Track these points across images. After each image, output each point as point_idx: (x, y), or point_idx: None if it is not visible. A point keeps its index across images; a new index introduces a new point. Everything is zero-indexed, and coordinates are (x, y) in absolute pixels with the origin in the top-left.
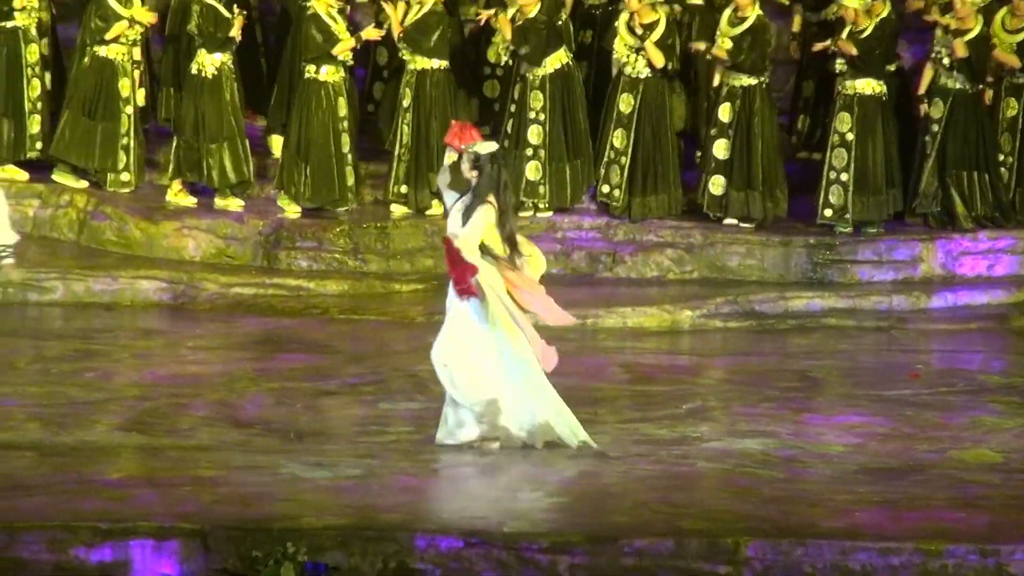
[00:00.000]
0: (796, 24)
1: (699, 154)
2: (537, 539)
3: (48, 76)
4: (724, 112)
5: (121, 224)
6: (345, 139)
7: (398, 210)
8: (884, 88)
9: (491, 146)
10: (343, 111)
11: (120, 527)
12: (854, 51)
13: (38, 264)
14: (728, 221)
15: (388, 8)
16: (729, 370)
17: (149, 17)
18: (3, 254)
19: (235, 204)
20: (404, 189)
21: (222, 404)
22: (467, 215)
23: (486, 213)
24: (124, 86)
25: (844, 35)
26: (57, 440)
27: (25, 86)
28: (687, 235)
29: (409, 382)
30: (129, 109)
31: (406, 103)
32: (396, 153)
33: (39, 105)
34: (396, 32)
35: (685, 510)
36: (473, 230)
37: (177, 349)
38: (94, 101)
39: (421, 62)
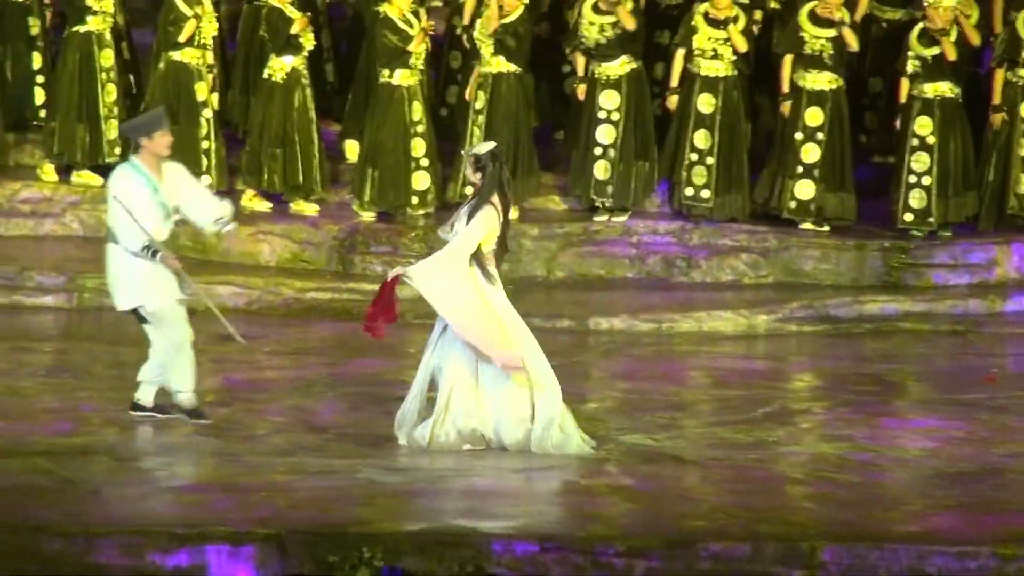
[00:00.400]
0: (860, 12)
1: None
2: (613, 543)
3: (124, 81)
4: (813, 116)
5: (197, 229)
6: (418, 143)
7: None
8: (959, 91)
9: (489, 145)
10: (417, 115)
11: (196, 532)
12: (953, 56)
13: None
14: (804, 226)
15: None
16: (805, 374)
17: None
18: (223, 221)
19: (310, 209)
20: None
21: (297, 409)
22: (471, 216)
23: (489, 215)
24: (200, 90)
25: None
26: (133, 445)
27: (100, 91)
28: (762, 239)
29: None
30: (207, 113)
31: (479, 105)
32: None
33: (115, 110)
34: (490, 29)
35: (761, 514)
36: (474, 231)
37: (253, 354)
38: (172, 106)
39: (498, 65)
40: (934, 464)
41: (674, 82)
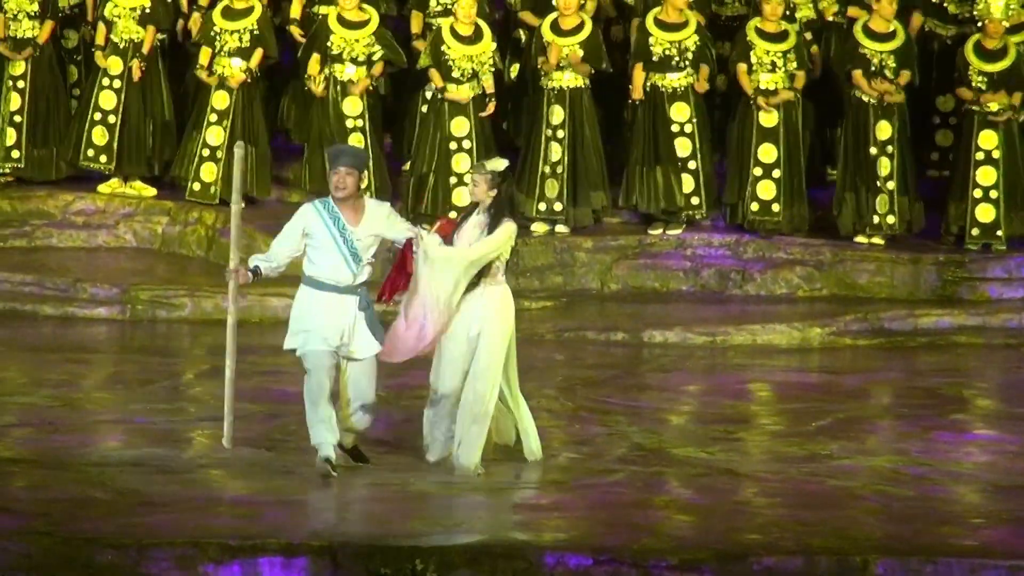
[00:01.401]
0: (914, 26)
1: (830, 170)
2: (666, 556)
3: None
4: (883, 129)
5: (249, 241)
6: (460, 158)
7: (540, 228)
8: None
9: (503, 162)
10: (462, 130)
11: (249, 544)
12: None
13: (167, 281)
14: (858, 238)
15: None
16: (859, 387)
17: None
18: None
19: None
20: (559, 207)
21: None
22: (491, 229)
23: (510, 229)
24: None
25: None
26: (186, 457)
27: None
28: (817, 252)
29: (538, 399)
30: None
31: (556, 120)
32: (541, 171)
33: (110, 119)
34: (566, 54)
35: (815, 528)
36: (494, 242)
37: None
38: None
39: (573, 80)
40: (988, 478)
41: (750, 92)
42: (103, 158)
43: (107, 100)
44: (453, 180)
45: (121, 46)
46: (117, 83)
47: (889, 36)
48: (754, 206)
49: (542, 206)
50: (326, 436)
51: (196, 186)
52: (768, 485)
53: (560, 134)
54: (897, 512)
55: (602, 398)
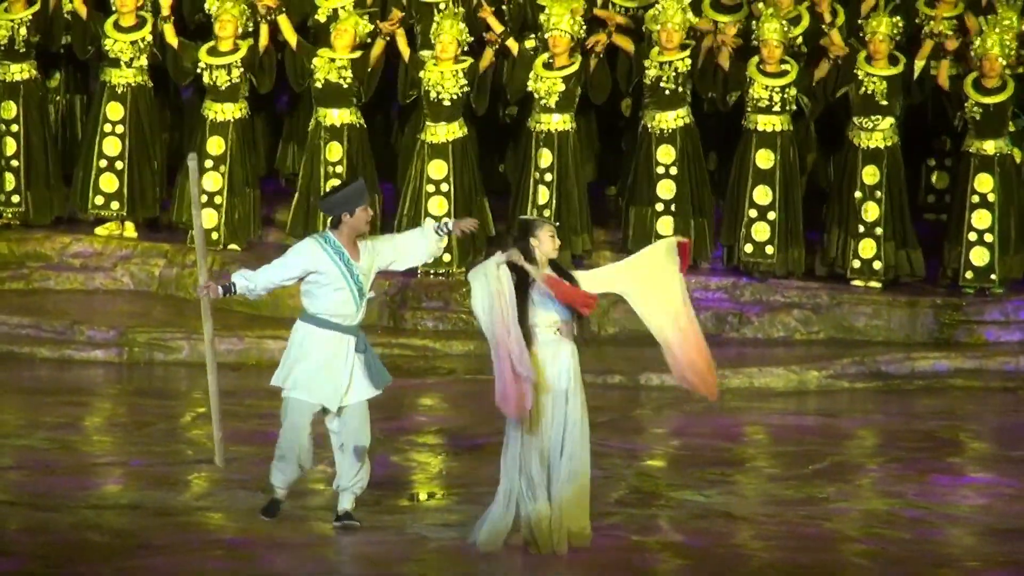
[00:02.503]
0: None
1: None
2: None
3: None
4: (870, 174)
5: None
6: (438, 201)
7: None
8: (1012, 146)
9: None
10: (441, 173)
11: None
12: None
13: (164, 323)
14: (856, 282)
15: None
16: (856, 431)
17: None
18: (442, 226)
19: None
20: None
21: None
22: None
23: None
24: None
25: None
26: (183, 499)
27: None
28: (814, 295)
29: None
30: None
31: (544, 163)
32: (529, 214)
33: (117, 165)
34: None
35: (812, 571)
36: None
37: None
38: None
39: (561, 123)
40: (985, 521)
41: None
42: (114, 204)
43: (111, 146)
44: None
45: (119, 91)
46: (120, 128)
47: (890, 62)
48: (747, 248)
49: None
50: (282, 481)
51: None
52: (764, 528)
53: (548, 177)
54: (893, 555)
55: (599, 441)
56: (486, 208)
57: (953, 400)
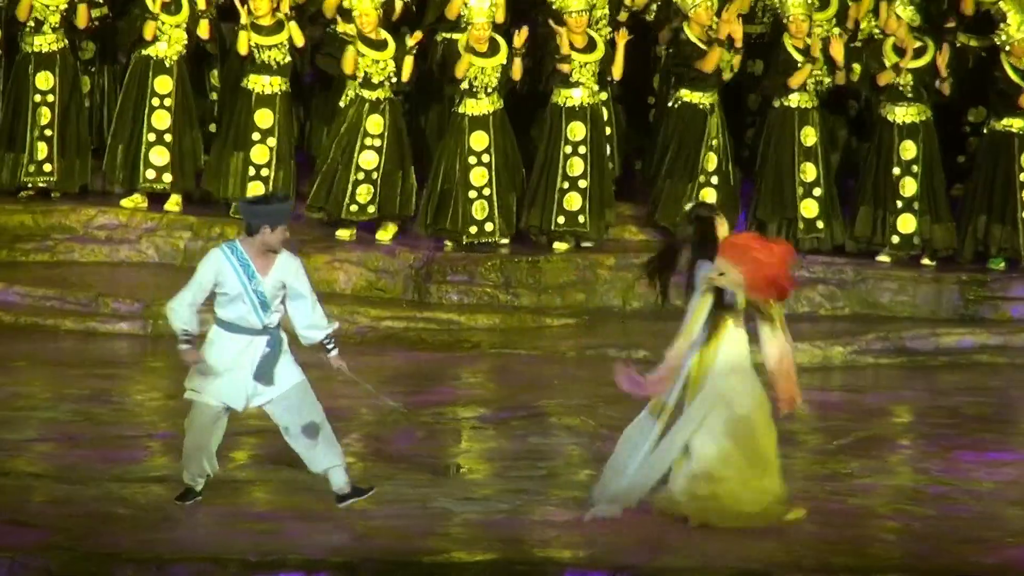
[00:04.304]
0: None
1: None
2: (686, 574)
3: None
4: (907, 149)
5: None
6: (480, 172)
7: (561, 245)
8: None
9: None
10: (482, 144)
11: (269, 560)
12: None
13: None
14: (880, 257)
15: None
16: (880, 406)
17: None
18: (328, 339)
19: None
20: (582, 219)
21: (372, 438)
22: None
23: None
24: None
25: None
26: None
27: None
28: (839, 271)
29: (559, 417)
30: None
31: (578, 136)
32: (560, 187)
33: (167, 137)
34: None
35: (835, 546)
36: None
37: (328, 383)
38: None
39: (597, 96)
40: (1009, 497)
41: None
42: (166, 177)
43: (160, 120)
44: (473, 194)
45: (167, 64)
46: (168, 101)
47: (918, 52)
48: (800, 225)
49: (561, 219)
50: (192, 479)
51: None
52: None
53: (582, 150)
54: (918, 531)
55: (624, 416)
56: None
57: (978, 376)
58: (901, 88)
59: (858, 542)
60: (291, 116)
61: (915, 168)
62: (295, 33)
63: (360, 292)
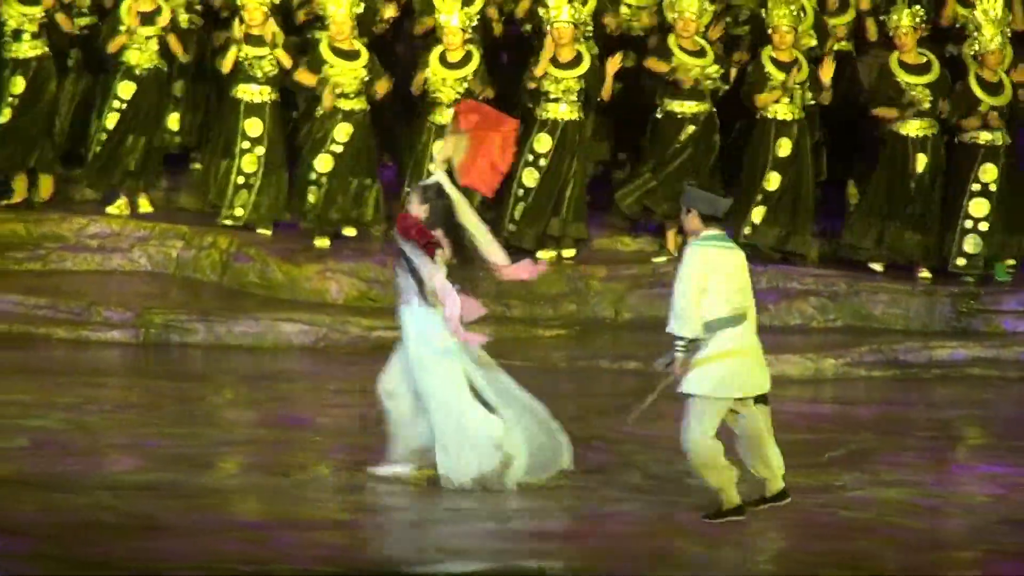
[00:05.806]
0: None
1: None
2: None
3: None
4: (919, 162)
5: (264, 266)
6: None
7: (545, 255)
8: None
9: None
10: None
11: (260, 569)
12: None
13: (180, 305)
14: (874, 266)
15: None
16: (872, 419)
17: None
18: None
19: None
20: (513, 228)
21: (361, 447)
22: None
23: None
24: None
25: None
26: (198, 481)
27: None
28: (831, 283)
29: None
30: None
31: (542, 148)
32: (514, 193)
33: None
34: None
35: (826, 558)
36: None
37: (319, 393)
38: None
39: (568, 112)
40: (1000, 511)
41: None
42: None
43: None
44: None
45: (137, 72)
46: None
47: (924, 68)
48: (746, 230)
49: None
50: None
51: (238, 212)
52: (779, 515)
53: (542, 163)
54: (908, 544)
55: (615, 427)
56: None
57: (970, 389)
58: (916, 102)
59: (849, 555)
60: (281, 125)
61: (926, 180)
62: (282, 57)
63: (352, 302)
